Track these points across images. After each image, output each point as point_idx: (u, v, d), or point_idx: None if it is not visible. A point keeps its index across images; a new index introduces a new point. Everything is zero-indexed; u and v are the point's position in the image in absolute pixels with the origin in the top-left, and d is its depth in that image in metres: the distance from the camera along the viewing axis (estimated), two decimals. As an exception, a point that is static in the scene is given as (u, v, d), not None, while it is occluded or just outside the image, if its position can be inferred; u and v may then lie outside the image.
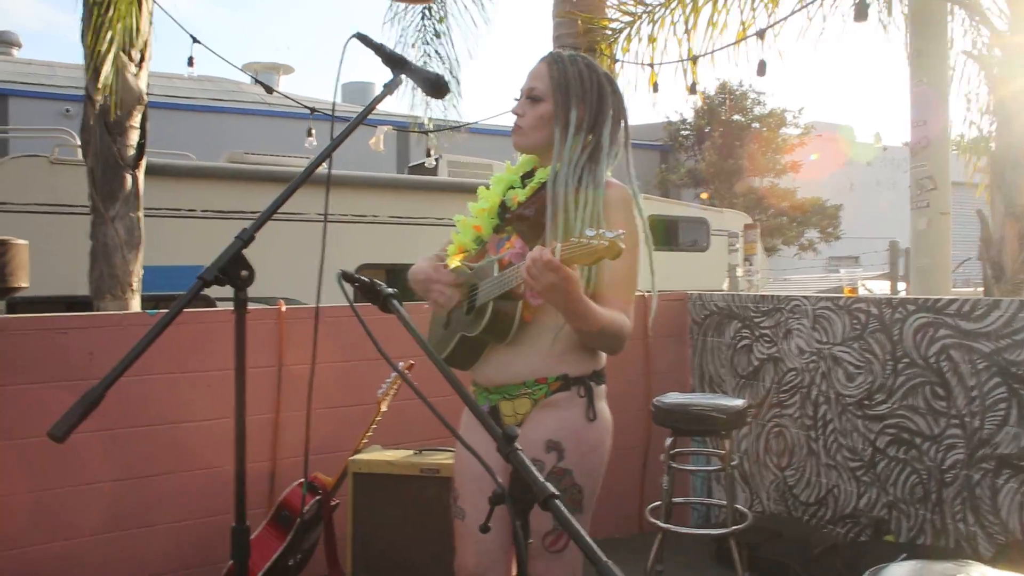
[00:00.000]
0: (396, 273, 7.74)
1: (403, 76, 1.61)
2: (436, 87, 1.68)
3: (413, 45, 7.21)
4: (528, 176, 2.01)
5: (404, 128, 7.80)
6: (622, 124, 1.96)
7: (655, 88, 5.48)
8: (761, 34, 4.75)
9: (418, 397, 1.28)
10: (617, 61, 5.66)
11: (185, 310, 1.35)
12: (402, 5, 6.95)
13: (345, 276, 1.52)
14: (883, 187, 25.43)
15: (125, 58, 4.63)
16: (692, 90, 5.32)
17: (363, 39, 1.62)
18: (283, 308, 3.36)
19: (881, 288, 10.72)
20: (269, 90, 6.07)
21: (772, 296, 3.93)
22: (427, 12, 7.09)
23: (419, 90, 6.75)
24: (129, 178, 4.67)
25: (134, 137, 4.73)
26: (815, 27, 4.82)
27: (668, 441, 3.24)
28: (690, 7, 5.24)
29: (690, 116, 23.25)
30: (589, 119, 1.89)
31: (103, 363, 2.97)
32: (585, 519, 1.87)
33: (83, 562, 3.02)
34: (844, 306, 3.52)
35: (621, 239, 1.44)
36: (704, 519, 4.20)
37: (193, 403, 3.21)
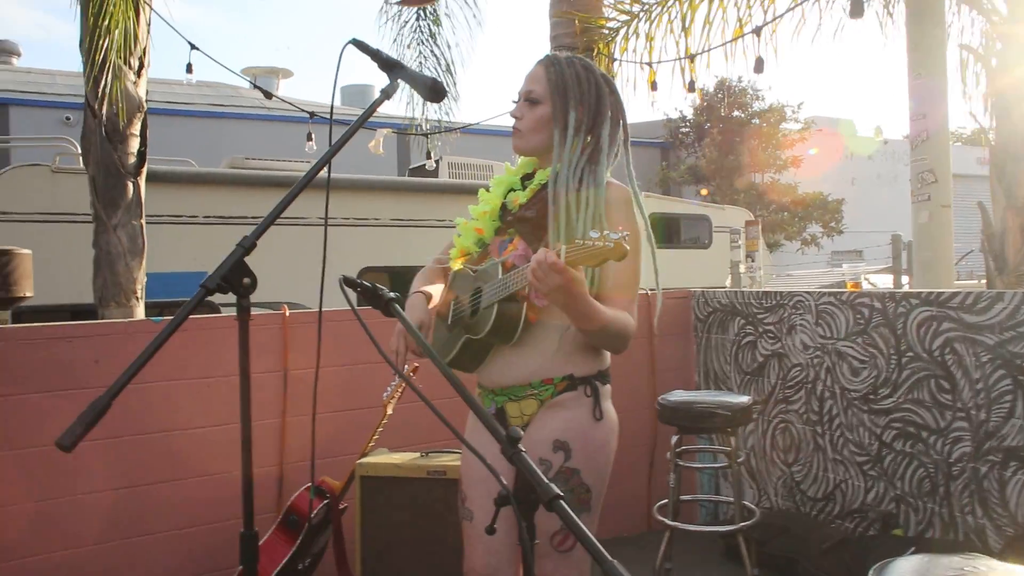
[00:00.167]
0: (399, 276, 7.75)
1: (400, 81, 1.62)
2: (433, 91, 1.68)
3: (409, 46, 7.20)
4: (528, 178, 2.02)
5: (404, 131, 7.80)
6: (620, 124, 1.96)
7: (654, 87, 5.49)
8: (758, 31, 4.75)
9: (426, 401, 1.28)
10: (615, 60, 5.66)
11: (189, 317, 1.35)
12: (395, 6, 6.95)
13: (347, 281, 1.52)
14: (884, 181, 25.40)
15: (124, 66, 4.64)
16: (691, 88, 5.33)
17: (359, 45, 1.63)
18: (287, 313, 3.37)
19: (884, 282, 10.71)
20: (268, 95, 6.08)
21: (775, 292, 3.93)
22: (422, 13, 7.09)
23: (410, 93, 6.78)
24: (131, 186, 4.69)
25: (135, 145, 4.74)
26: (812, 23, 4.82)
27: (674, 439, 3.24)
28: (687, 5, 5.25)
29: (689, 114, 23.24)
30: (588, 120, 1.90)
31: (109, 371, 2.97)
32: (593, 518, 1.87)
33: (87, 571, 3.03)
34: (847, 301, 3.52)
35: (626, 240, 1.45)
36: (712, 516, 4.20)
37: (198, 410, 3.21)
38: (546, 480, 1.06)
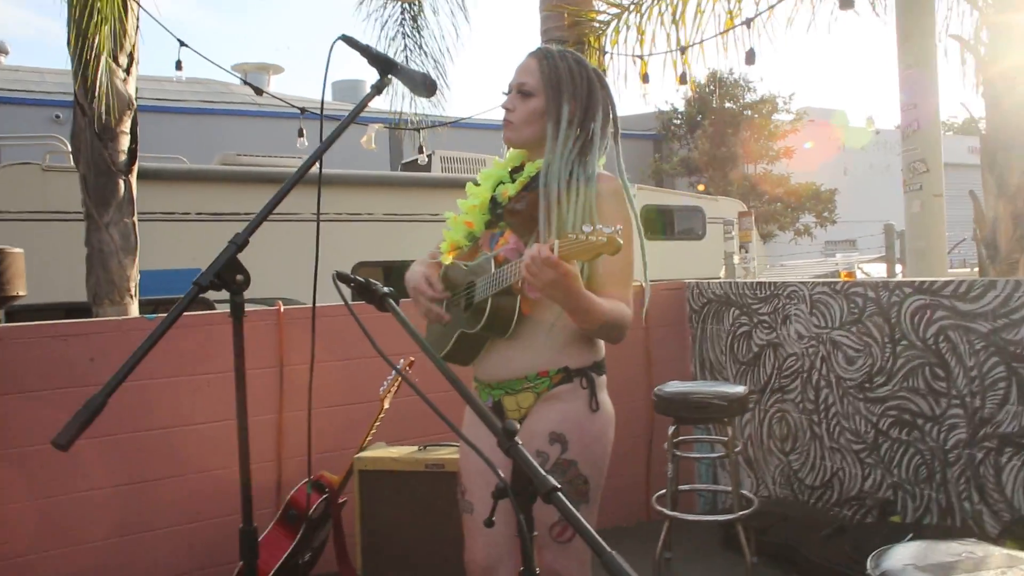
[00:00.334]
0: (393, 270, 7.75)
1: (391, 77, 1.61)
2: (424, 87, 1.68)
3: (393, 39, 7.15)
4: (517, 171, 2.01)
5: (395, 126, 7.78)
6: (611, 118, 1.97)
7: (645, 79, 5.48)
8: (749, 23, 4.75)
9: (419, 397, 1.28)
10: (606, 53, 5.65)
11: (184, 314, 1.35)
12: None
13: (340, 276, 1.52)
14: (877, 170, 25.47)
15: (113, 64, 4.61)
16: (683, 80, 5.32)
17: (349, 41, 1.62)
18: (281, 309, 3.36)
19: (878, 271, 10.74)
20: (259, 91, 6.05)
21: (769, 282, 3.94)
22: (407, 6, 7.05)
23: (400, 88, 6.75)
24: (122, 183, 4.66)
25: (125, 142, 4.72)
26: (804, 15, 4.82)
27: (671, 430, 3.25)
28: (677, -4, 5.24)
29: (681, 106, 23.24)
30: (580, 114, 1.89)
31: (104, 369, 2.97)
32: (592, 509, 1.87)
33: (87, 569, 3.03)
34: (841, 290, 3.53)
35: (619, 234, 1.45)
36: (710, 506, 4.22)
37: (195, 407, 3.21)
38: (543, 472, 1.06)
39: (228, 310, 1.36)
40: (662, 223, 10.84)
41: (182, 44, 5.15)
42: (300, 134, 6.65)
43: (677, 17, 5.25)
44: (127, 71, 4.72)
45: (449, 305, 1.99)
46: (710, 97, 22.17)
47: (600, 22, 5.56)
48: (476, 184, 2.06)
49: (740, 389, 3.19)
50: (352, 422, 3.23)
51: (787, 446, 3.78)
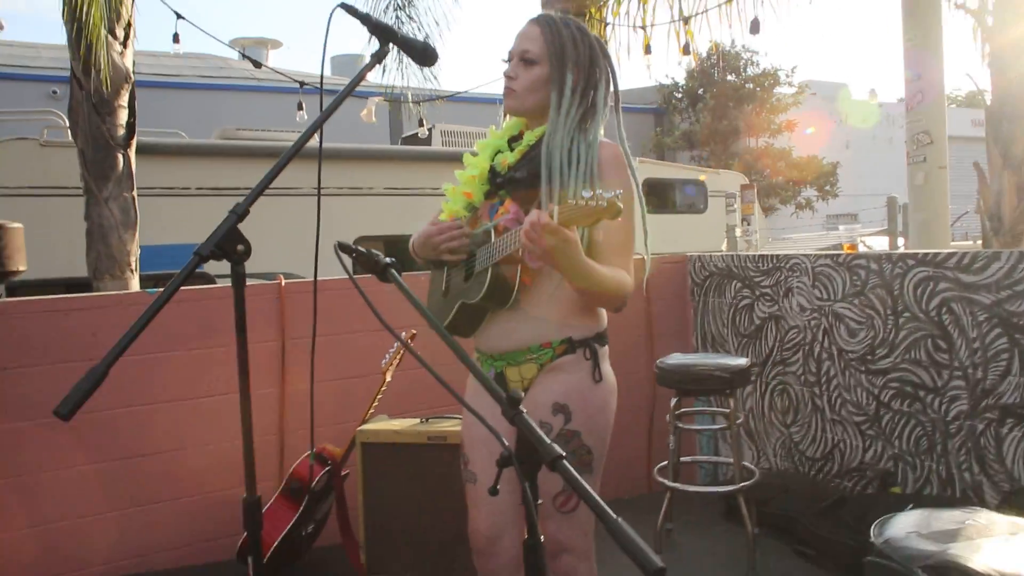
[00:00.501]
0: (393, 244, 7.73)
1: (391, 45, 1.59)
2: (424, 55, 1.65)
3: (385, 10, 7.05)
4: (515, 139, 1.99)
5: (395, 99, 7.73)
6: (613, 87, 1.94)
7: (648, 50, 5.43)
8: (754, -10, 4.69)
9: (422, 366, 1.27)
10: (608, 24, 5.60)
11: (185, 288, 1.34)
12: None
13: (342, 247, 1.51)
14: (879, 144, 25.34)
15: (109, 36, 4.57)
16: (686, 51, 5.27)
17: (349, 9, 1.60)
18: (283, 282, 3.36)
19: (880, 244, 10.72)
20: (258, 65, 6.01)
21: (772, 255, 3.93)
22: None
23: (398, 60, 6.67)
24: (121, 158, 4.63)
25: (123, 116, 4.68)
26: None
27: (673, 401, 3.25)
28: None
29: (683, 79, 23.06)
30: (582, 82, 1.87)
31: (107, 343, 2.95)
32: (595, 480, 1.88)
33: (88, 542, 3.05)
34: (844, 263, 3.52)
35: (619, 198, 1.43)
36: (711, 478, 4.24)
37: (196, 380, 3.21)
38: (548, 440, 1.06)
39: (228, 284, 1.35)
40: (663, 196, 10.79)
41: (179, 16, 5.10)
42: (299, 107, 6.61)
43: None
44: (124, 44, 4.67)
45: (449, 276, 1.98)
46: (712, 70, 21.99)
47: (602, -8, 5.50)
48: (472, 155, 2.04)
49: (742, 361, 3.19)
50: (354, 395, 3.24)
51: (788, 418, 3.79)
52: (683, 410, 3.40)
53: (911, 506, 2.48)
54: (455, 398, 1.23)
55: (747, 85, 22.40)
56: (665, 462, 3.37)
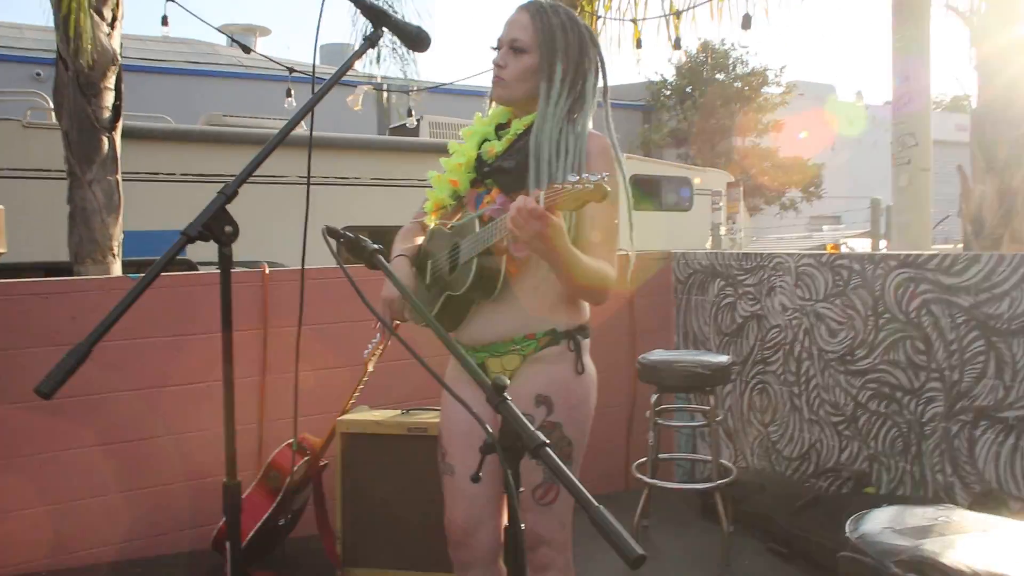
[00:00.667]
0: (380, 235, 7.70)
1: (384, 29, 1.58)
2: (416, 40, 1.64)
3: None
4: (502, 127, 1.97)
5: (384, 88, 7.71)
6: (602, 76, 1.94)
7: (639, 44, 5.44)
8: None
9: (410, 353, 1.28)
10: (599, 17, 5.60)
11: (167, 275, 1.33)
12: None
13: (330, 231, 1.50)
14: (864, 146, 25.49)
15: (97, 16, 4.52)
16: (677, 45, 5.28)
17: None
18: (267, 271, 3.34)
19: (863, 246, 10.81)
20: (247, 50, 5.97)
21: (755, 254, 3.95)
22: None
23: (382, 50, 6.60)
24: (106, 140, 4.59)
25: (109, 99, 4.64)
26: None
27: (654, 398, 3.27)
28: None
29: (672, 76, 23.10)
30: (572, 72, 1.86)
31: (86, 327, 2.91)
32: (574, 472, 1.88)
33: (61, 528, 3.03)
34: (827, 263, 3.55)
35: (606, 181, 1.43)
36: (688, 475, 4.26)
37: (174, 367, 3.19)
38: (532, 428, 1.06)
39: (210, 271, 1.35)
40: (649, 193, 10.83)
41: (168, -1, 5.06)
42: (288, 94, 6.57)
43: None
44: (111, 25, 4.61)
45: (434, 269, 1.97)
46: (700, 68, 22.06)
47: (594, -15, 5.50)
48: (458, 143, 2.02)
49: (723, 359, 3.21)
50: (335, 385, 3.22)
51: (767, 417, 3.82)
52: (663, 406, 3.42)
53: (884, 507, 2.52)
54: (440, 383, 1.23)
55: (735, 84, 22.49)
56: (644, 458, 3.39)
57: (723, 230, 7.96)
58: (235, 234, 1.29)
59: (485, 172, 1.92)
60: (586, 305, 1.94)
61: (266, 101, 11.49)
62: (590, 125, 1.91)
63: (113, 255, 4.59)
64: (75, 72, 4.48)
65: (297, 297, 1.59)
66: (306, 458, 2.98)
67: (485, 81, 1.98)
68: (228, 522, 1.34)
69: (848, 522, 1.51)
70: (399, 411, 3.06)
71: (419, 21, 6.96)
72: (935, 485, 3.11)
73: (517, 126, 1.91)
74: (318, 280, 3.28)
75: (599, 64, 1.93)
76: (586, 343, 1.92)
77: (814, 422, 3.58)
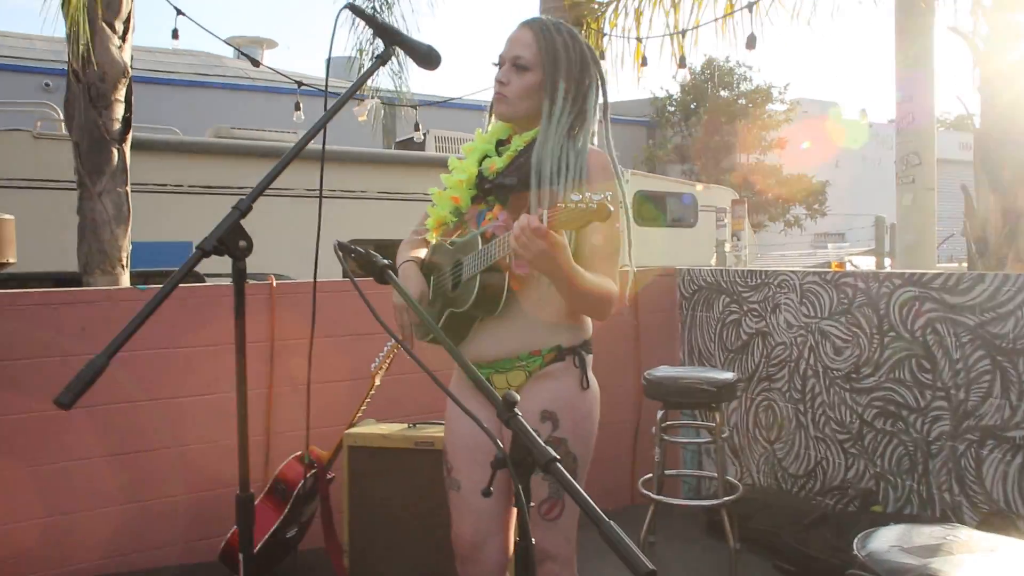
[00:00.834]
0: (385, 249, 7.73)
1: (395, 47, 1.60)
2: (428, 58, 1.66)
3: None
4: (503, 143, 1.98)
5: (391, 102, 7.75)
6: (602, 93, 1.95)
7: (643, 62, 5.47)
8: (751, 7, 4.74)
9: (416, 367, 1.29)
10: (604, 35, 5.63)
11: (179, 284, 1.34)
12: None
13: (341, 246, 1.52)
14: (869, 164, 25.54)
15: (108, 29, 4.56)
16: (682, 63, 5.31)
17: (355, 10, 1.61)
18: (274, 283, 3.36)
19: (867, 264, 10.81)
20: (256, 63, 6.01)
21: (760, 271, 3.96)
22: None
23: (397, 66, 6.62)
24: (116, 152, 4.62)
25: (119, 110, 4.67)
26: (806, 4, 4.80)
27: (660, 414, 3.27)
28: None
29: (676, 92, 23.19)
30: (573, 90, 1.88)
31: (95, 338, 2.96)
32: (580, 487, 1.88)
33: (70, 540, 3.03)
34: (832, 280, 3.55)
35: (609, 200, 1.44)
36: (694, 492, 4.25)
37: (178, 381, 3.20)
38: (542, 443, 1.07)
39: (216, 283, 1.36)
40: (654, 209, 10.85)
41: (179, 12, 5.11)
42: (297, 107, 6.60)
43: (676, 0, 5.23)
44: (123, 38, 4.66)
45: (435, 284, 1.98)
46: (705, 85, 22.13)
47: (599, 3, 5.54)
48: (458, 159, 2.02)
49: (729, 375, 3.21)
50: (342, 398, 3.23)
51: (772, 435, 3.82)
52: (669, 423, 3.42)
53: (891, 525, 2.51)
54: (450, 397, 1.24)
55: (739, 101, 22.55)
56: (649, 475, 3.39)
57: (728, 247, 7.96)
58: (249, 249, 1.30)
59: (487, 188, 1.93)
60: (589, 320, 1.95)
61: (274, 113, 11.58)
62: (595, 143, 1.92)
63: (122, 266, 4.62)
64: (86, 84, 4.52)
65: (303, 310, 1.61)
66: (313, 471, 2.99)
67: (489, 96, 1.99)
68: (241, 534, 1.35)
69: (856, 540, 1.51)
70: (406, 425, 3.06)
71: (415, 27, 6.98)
72: (942, 504, 3.10)
73: (518, 142, 1.92)
74: (326, 293, 3.28)
75: (600, 81, 1.94)
76: (590, 358, 1.93)
77: (820, 439, 3.58)
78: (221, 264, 1.36)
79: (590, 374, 1.91)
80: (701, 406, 3.36)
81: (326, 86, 1.64)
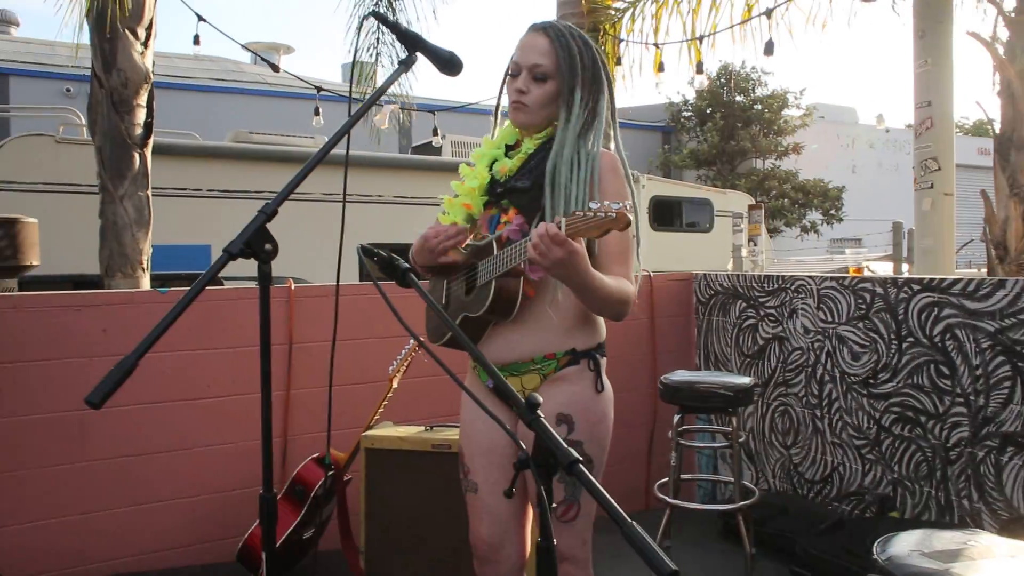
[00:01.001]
0: (401, 253, 7.77)
1: (417, 54, 1.62)
2: (450, 65, 1.67)
3: (376, 3, 6.96)
4: (512, 148, 1.99)
5: (409, 108, 7.78)
6: (612, 97, 1.97)
7: (660, 68, 5.48)
8: (769, 13, 4.74)
9: (436, 369, 1.30)
10: (621, 40, 5.64)
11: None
12: None
13: (365, 250, 1.54)
14: (885, 169, 25.39)
15: (131, 36, 4.62)
16: (699, 70, 5.31)
17: (379, 17, 1.64)
18: (292, 286, 3.39)
19: (884, 270, 10.74)
20: (275, 68, 6.06)
21: (777, 276, 3.95)
22: None
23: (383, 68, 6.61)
24: (137, 157, 4.68)
25: (141, 115, 4.74)
26: (823, 9, 4.79)
27: (676, 418, 3.27)
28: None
29: (692, 97, 23.13)
30: (587, 96, 1.89)
31: (117, 340, 3.00)
32: (594, 490, 1.89)
33: (89, 538, 3.07)
34: (849, 286, 3.54)
35: (628, 209, 1.45)
36: (709, 497, 4.25)
37: (196, 382, 3.24)
38: (565, 445, 1.08)
39: (234, 287, 1.39)
40: (670, 214, 10.83)
41: (200, 19, 5.17)
42: (316, 112, 6.64)
43: (693, 6, 5.24)
44: (145, 44, 4.73)
45: (449, 288, 1.99)
46: (721, 90, 22.07)
47: (616, 9, 5.55)
48: (468, 166, 2.03)
49: (746, 380, 3.21)
50: (360, 401, 3.26)
51: (789, 440, 3.81)
52: (685, 427, 3.42)
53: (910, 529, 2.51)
54: (471, 398, 1.25)
55: (755, 106, 22.48)
56: (665, 479, 3.39)
57: (744, 252, 7.94)
58: (275, 252, 1.33)
59: (499, 192, 1.94)
60: (603, 323, 1.96)
61: (292, 118, 11.65)
62: (611, 147, 1.93)
63: (143, 269, 4.67)
64: (109, 90, 4.58)
65: (321, 313, 1.62)
66: (330, 473, 3.01)
67: (504, 101, 2.00)
68: (264, 532, 1.36)
69: (875, 545, 1.51)
70: (423, 427, 3.08)
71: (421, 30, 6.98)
72: (961, 511, 3.09)
73: (528, 145, 1.93)
74: (345, 296, 3.32)
75: (610, 86, 1.96)
76: (604, 361, 1.94)
77: (837, 445, 3.57)
78: (234, 267, 1.38)
79: (604, 377, 1.92)
80: (718, 410, 3.35)
81: (350, 91, 1.66)
